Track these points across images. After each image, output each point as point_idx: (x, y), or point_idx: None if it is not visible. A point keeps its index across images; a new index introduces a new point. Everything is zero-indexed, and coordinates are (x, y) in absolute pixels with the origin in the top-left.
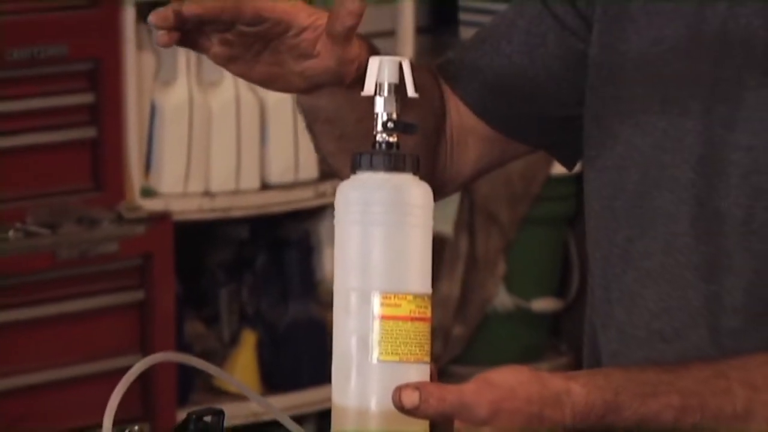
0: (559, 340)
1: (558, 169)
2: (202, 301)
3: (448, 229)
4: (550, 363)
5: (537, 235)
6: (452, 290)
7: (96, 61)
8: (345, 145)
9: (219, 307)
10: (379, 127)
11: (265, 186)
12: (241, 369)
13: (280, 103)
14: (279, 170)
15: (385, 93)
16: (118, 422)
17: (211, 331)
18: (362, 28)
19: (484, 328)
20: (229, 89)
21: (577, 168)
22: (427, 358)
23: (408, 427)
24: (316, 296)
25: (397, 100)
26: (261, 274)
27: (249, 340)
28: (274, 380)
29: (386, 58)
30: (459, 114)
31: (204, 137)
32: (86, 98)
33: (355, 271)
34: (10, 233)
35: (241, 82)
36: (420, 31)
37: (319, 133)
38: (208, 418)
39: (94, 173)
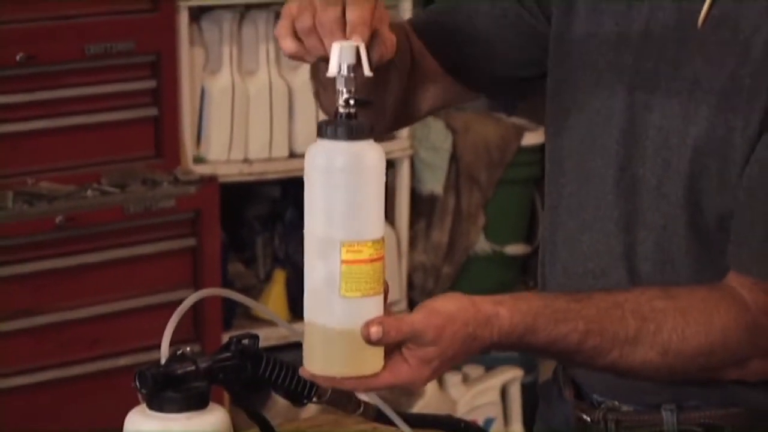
0: (528, 277)
1: (527, 140)
2: (242, 246)
3: (438, 189)
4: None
5: (510, 194)
6: (442, 238)
7: (157, 54)
8: None
9: (255, 251)
10: (341, 102)
11: (292, 154)
12: (273, 301)
13: (305, 88)
14: (304, 141)
15: (344, 73)
16: (174, 343)
17: (249, 270)
18: None
19: (467, 268)
20: (264, 77)
21: (542, 139)
22: (381, 290)
23: (364, 349)
24: None
25: (355, 78)
26: (289, 225)
27: (280, 277)
28: (299, 310)
29: (345, 44)
30: (423, 58)
31: (243, 115)
32: (149, 84)
33: (323, 223)
34: (88, 192)
35: (274, 70)
36: None
37: (324, 99)
38: (246, 341)
39: (155, 144)
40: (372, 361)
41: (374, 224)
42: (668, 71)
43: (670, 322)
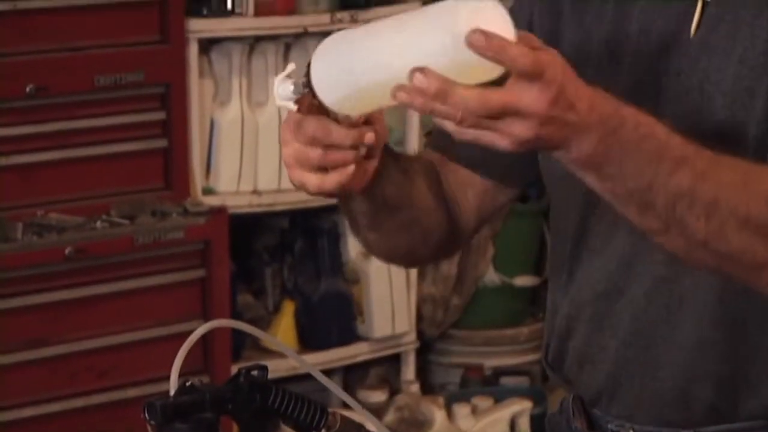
0: (536, 309)
1: None
2: (251, 277)
3: None
4: (529, 327)
5: (519, 225)
6: (451, 269)
7: (167, 85)
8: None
9: (265, 282)
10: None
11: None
12: (282, 332)
13: None
14: None
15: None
16: (183, 374)
17: (258, 301)
18: None
19: (476, 299)
20: (273, 108)
21: None
22: None
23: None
24: (343, 274)
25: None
26: (298, 255)
27: (288, 308)
28: (308, 341)
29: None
30: (456, 175)
31: (252, 147)
32: (159, 115)
33: None
34: (98, 223)
35: None
36: None
37: (365, 239)
38: (255, 372)
39: (165, 175)
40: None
41: None
42: (670, 79)
43: None
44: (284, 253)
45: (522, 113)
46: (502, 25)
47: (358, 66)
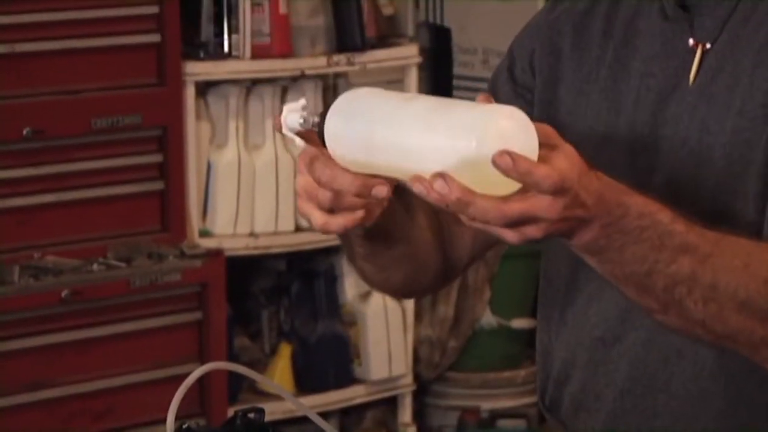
0: (534, 351)
1: None
2: (248, 320)
3: None
4: (526, 370)
5: (515, 268)
6: (448, 312)
7: (163, 128)
8: (384, 275)
9: (261, 325)
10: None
11: (298, 228)
12: (279, 375)
13: None
14: None
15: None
16: (179, 417)
17: (255, 344)
18: None
19: (473, 341)
20: (270, 151)
21: None
22: None
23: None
24: (340, 316)
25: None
26: (295, 298)
27: (285, 351)
28: (305, 384)
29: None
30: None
31: (249, 189)
32: (156, 158)
33: None
34: (94, 266)
35: (280, 144)
36: None
37: (360, 268)
38: (251, 415)
39: (162, 218)
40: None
41: None
42: (668, 128)
43: None
44: (281, 295)
45: (537, 219)
46: (528, 142)
47: (378, 142)
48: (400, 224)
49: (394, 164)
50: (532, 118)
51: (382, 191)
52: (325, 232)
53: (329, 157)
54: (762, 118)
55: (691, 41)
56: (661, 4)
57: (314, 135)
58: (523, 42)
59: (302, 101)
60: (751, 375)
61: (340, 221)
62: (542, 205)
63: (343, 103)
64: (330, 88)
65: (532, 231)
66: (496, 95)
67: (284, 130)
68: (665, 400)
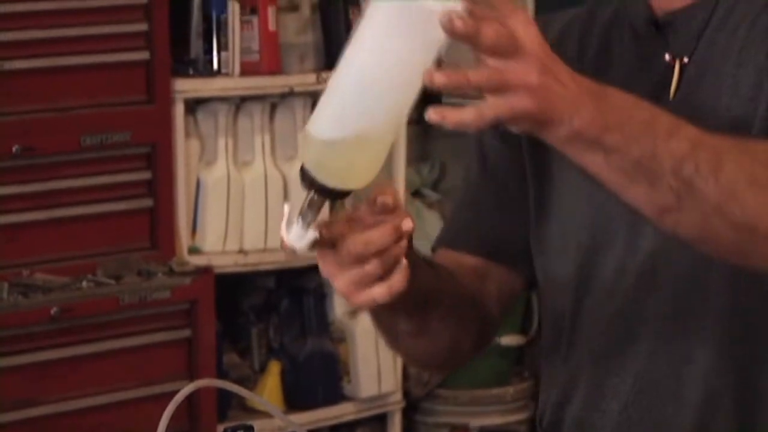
0: (523, 368)
1: None
2: (237, 337)
3: None
4: (515, 387)
5: None
6: None
7: (153, 145)
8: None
9: (251, 342)
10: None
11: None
12: (269, 392)
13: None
14: None
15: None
16: None
17: (245, 361)
18: None
19: None
20: (259, 168)
21: None
22: None
23: None
24: (329, 333)
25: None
26: (284, 315)
27: (275, 368)
28: (295, 401)
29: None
30: (470, 270)
31: (239, 206)
32: (144, 175)
33: None
34: (83, 283)
35: (269, 161)
36: (410, 121)
37: (405, 348)
38: None
39: (151, 235)
40: None
41: None
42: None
43: None
44: (270, 312)
45: (515, 84)
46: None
47: (356, 111)
48: (433, 281)
49: (386, 109)
50: (522, 156)
51: (408, 224)
52: (392, 298)
53: (346, 235)
54: (752, 111)
55: (667, 56)
56: (631, 22)
57: (327, 227)
58: None
59: (285, 209)
60: (762, 367)
61: (397, 277)
62: (517, 66)
63: (309, 148)
64: None
65: (520, 100)
66: (483, 147)
67: (299, 249)
68: (674, 408)
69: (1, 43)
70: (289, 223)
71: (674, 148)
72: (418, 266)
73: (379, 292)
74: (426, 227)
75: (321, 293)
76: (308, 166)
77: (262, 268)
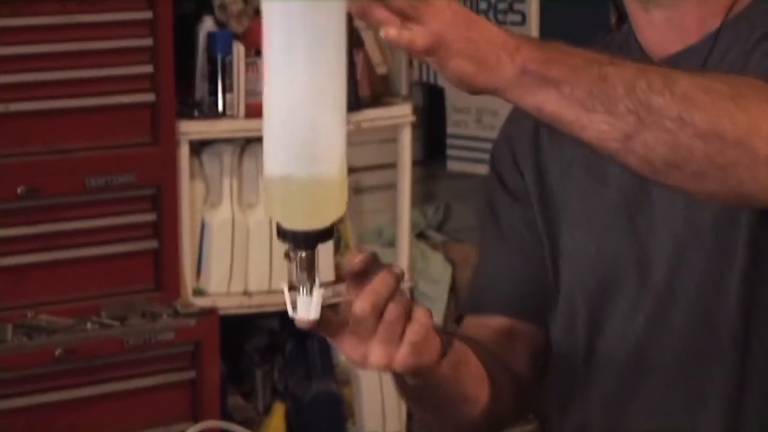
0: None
1: None
2: (242, 378)
3: (438, 321)
4: (521, 429)
5: None
6: None
7: (158, 187)
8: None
9: (255, 384)
10: None
11: (292, 287)
12: None
13: None
14: None
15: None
16: None
17: (249, 403)
18: (369, 161)
19: None
20: (264, 210)
21: None
22: None
23: None
24: (334, 375)
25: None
26: (289, 357)
27: (279, 410)
28: None
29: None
30: (498, 334)
31: (243, 248)
32: (149, 217)
33: None
34: (88, 324)
35: None
36: (415, 163)
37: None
38: None
39: (155, 276)
40: None
41: None
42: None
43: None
44: (275, 354)
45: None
46: None
47: (294, 143)
48: (463, 354)
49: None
50: (533, 214)
51: (397, 267)
52: (437, 359)
53: (352, 288)
54: None
55: None
56: None
57: (329, 313)
58: (501, 151)
59: (283, 286)
60: None
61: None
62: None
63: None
64: None
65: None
66: (495, 209)
67: (313, 316)
68: None
69: (5, 85)
70: (292, 302)
71: (622, 71)
72: (444, 339)
73: (408, 352)
74: (431, 269)
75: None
76: (277, 216)
77: (266, 309)
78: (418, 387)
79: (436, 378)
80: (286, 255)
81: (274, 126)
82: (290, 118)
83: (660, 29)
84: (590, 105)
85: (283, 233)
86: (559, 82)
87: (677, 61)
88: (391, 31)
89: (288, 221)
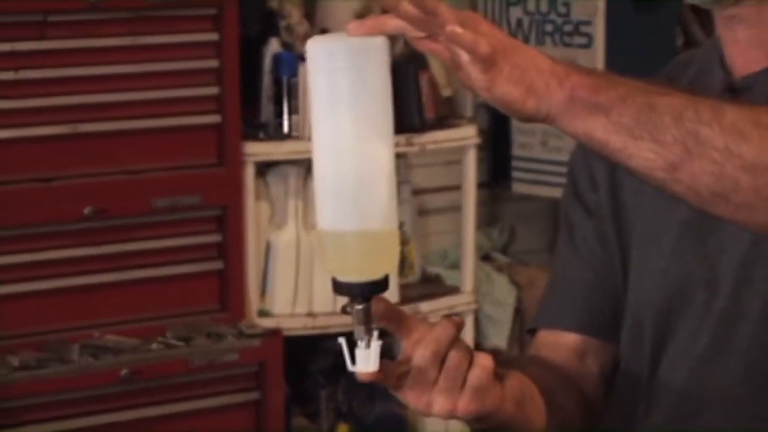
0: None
1: None
2: (306, 400)
3: (502, 344)
4: None
5: None
6: None
7: (223, 208)
8: None
9: (319, 405)
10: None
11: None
12: None
13: None
14: None
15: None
16: None
17: (313, 424)
18: (435, 183)
19: None
20: None
21: None
22: None
23: None
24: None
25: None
26: (353, 378)
27: (343, 431)
28: None
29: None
30: (569, 351)
31: (308, 269)
32: (215, 238)
33: None
34: (153, 345)
35: None
36: (480, 185)
37: None
38: None
39: (220, 297)
40: None
41: None
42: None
43: None
44: (339, 375)
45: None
46: None
47: (346, 200)
48: (527, 387)
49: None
50: (607, 233)
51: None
52: (468, 414)
53: (405, 339)
54: None
55: None
56: (707, 88)
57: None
58: (579, 162)
59: (341, 342)
60: None
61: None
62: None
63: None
64: None
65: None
66: (570, 223)
67: (373, 368)
68: None
69: (74, 106)
70: (351, 356)
71: (670, 101)
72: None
73: (472, 398)
74: (495, 291)
75: (389, 355)
76: (331, 270)
77: (330, 330)
78: (483, 429)
79: (500, 418)
80: (343, 309)
81: (323, 180)
82: (338, 173)
83: (744, 47)
84: (637, 133)
85: (338, 286)
86: (607, 109)
87: (759, 80)
88: (457, 28)
89: (343, 274)
